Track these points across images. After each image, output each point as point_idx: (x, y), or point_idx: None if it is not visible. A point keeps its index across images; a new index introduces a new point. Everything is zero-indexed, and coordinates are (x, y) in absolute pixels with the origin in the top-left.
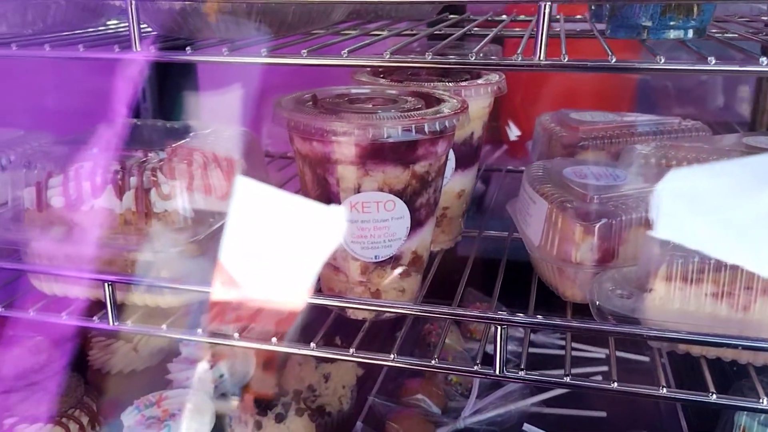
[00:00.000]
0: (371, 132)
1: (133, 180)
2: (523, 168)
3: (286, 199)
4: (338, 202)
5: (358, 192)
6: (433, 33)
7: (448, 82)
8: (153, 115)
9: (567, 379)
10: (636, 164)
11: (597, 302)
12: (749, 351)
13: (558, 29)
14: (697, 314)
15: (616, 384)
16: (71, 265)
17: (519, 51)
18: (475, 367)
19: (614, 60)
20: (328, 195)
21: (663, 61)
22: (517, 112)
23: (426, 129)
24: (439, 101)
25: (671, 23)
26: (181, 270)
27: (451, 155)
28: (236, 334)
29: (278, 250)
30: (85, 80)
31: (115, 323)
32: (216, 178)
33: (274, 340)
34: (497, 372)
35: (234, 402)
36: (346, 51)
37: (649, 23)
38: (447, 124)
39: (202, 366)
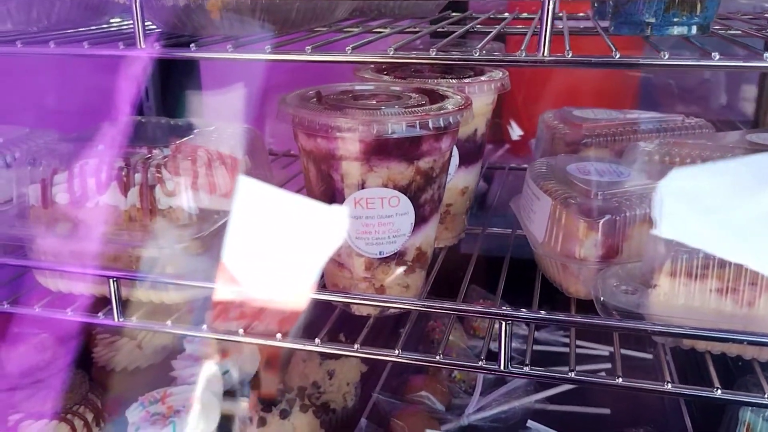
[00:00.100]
0: (375, 128)
1: (138, 177)
2: (526, 166)
3: (290, 196)
4: (342, 198)
5: (363, 188)
6: (436, 30)
7: (452, 79)
8: (156, 114)
9: (572, 375)
10: (639, 161)
11: (601, 298)
12: (754, 346)
13: (561, 27)
14: (702, 310)
15: (620, 379)
16: (76, 261)
17: (523, 47)
18: (480, 363)
19: (618, 56)
20: (332, 191)
21: (667, 56)
22: (520, 112)
23: (430, 125)
24: (443, 98)
25: (675, 20)
26: (186, 266)
27: (455, 152)
28: (241, 330)
29: (282, 247)
30: (89, 78)
31: (120, 319)
32: (220, 175)
33: (278, 336)
34: (502, 367)
35: (238, 399)
36: (350, 47)
37: (652, 20)
38: (451, 120)
39: (211, 365)
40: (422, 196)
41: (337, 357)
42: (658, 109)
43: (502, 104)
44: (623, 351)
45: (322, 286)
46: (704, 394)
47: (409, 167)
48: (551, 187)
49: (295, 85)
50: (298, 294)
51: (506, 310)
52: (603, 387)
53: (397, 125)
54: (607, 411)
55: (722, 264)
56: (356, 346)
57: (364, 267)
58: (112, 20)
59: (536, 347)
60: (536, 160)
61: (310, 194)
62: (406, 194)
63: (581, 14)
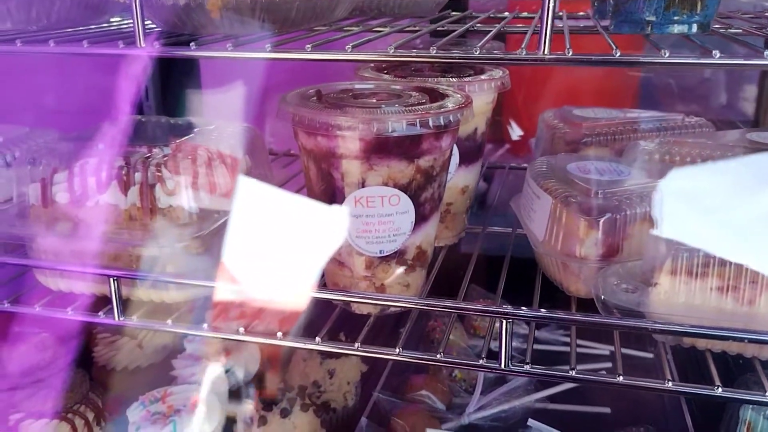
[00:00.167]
0: (376, 126)
1: (138, 175)
2: (526, 165)
3: (290, 196)
4: (343, 196)
5: (363, 186)
6: (436, 29)
7: (452, 77)
8: (156, 113)
9: (572, 373)
10: (640, 160)
11: (602, 296)
12: (755, 344)
13: (561, 26)
14: (703, 308)
15: (621, 378)
16: (77, 260)
17: (523, 45)
18: (481, 362)
19: (618, 54)
20: (332, 190)
21: (667, 54)
22: (520, 111)
23: (430, 123)
24: (443, 96)
25: (675, 18)
26: (186, 265)
27: (455, 151)
28: (241, 329)
29: (283, 246)
30: (89, 78)
31: (121, 318)
32: (220, 175)
33: (279, 334)
34: (502, 366)
35: (239, 398)
36: (350, 46)
37: (653, 18)
38: (451, 118)
39: (215, 366)
40: (422, 195)
41: (337, 356)
42: (659, 109)
43: (503, 104)
44: (624, 350)
45: (323, 285)
46: (705, 392)
47: (410, 166)
48: (551, 186)
49: (295, 84)
50: (298, 293)
51: (507, 308)
52: (604, 386)
53: (397, 123)
54: (607, 410)
55: (723, 262)
56: (357, 344)
57: (364, 266)
58: (111, 19)
59: (537, 346)
60: (536, 159)
61: (311, 193)
62: (406, 193)
63: (581, 13)
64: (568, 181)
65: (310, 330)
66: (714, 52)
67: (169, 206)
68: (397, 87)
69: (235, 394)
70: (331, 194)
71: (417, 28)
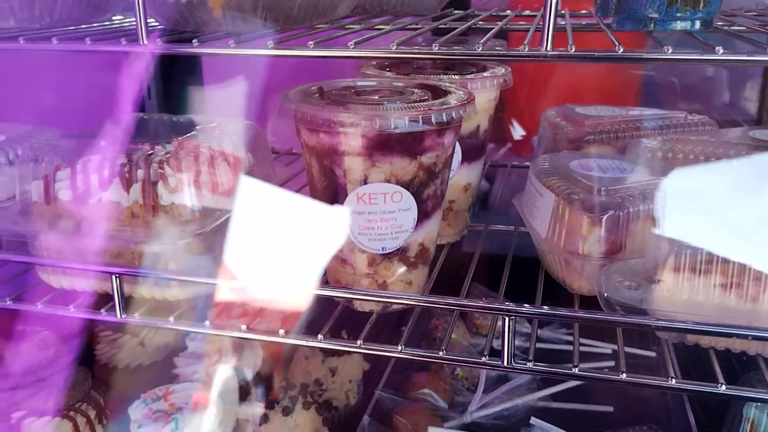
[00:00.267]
0: (378, 123)
1: (141, 173)
2: (528, 163)
3: (293, 193)
4: (345, 193)
5: (365, 183)
6: (438, 27)
7: (454, 75)
8: (158, 112)
9: (575, 371)
10: (643, 157)
11: (605, 294)
12: (758, 341)
13: (563, 23)
14: (706, 305)
15: (624, 375)
16: (79, 258)
17: (525, 42)
18: (483, 359)
19: (621, 50)
20: (335, 187)
21: (670, 51)
22: (523, 111)
23: (433, 120)
24: (445, 93)
25: (678, 15)
26: (188, 263)
27: (458, 148)
28: (243, 326)
29: (285, 244)
30: (91, 77)
31: (123, 315)
32: (222, 172)
33: (281, 332)
34: (505, 363)
35: (241, 396)
36: (352, 43)
37: (655, 15)
38: (454, 114)
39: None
40: (425, 192)
41: (339, 354)
42: (661, 108)
43: (505, 103)
44: (626, 349)
45: (325, 282)
46: (708, 389)
47: (412, 162)
48: (554, 183)
49: (297, 82)
50: (300, 291)
51: (509, 305)
52: (607, 383)
53: (399, 120)
54: (610, 409)
55: (726, 259)
56: (359, 342)
57: (366, 263)
58: (114, 18)
59: (539, 345)
60: (539, 157)
61: (313, 190)
62: (408, 190)
63: (583, 11)
64: (570, 179)
65: (312, 328)
66: (717, 48)
67: (172, 203)
68: (400, 84)
69: (236, 392)
70: (334, 191)
71: (419, 26)
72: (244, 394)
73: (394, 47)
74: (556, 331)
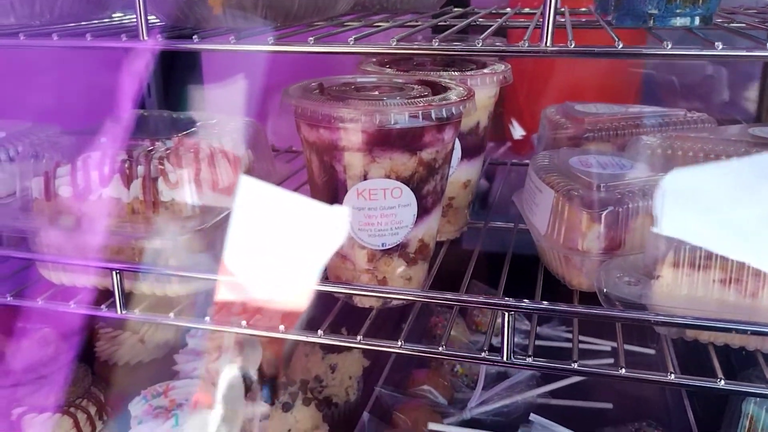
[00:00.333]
0: (378, 118)
1: (141, 169)
2: (527, 161)
3: (293, 190)
4: (345, 189)
5: (365, 179)
6: (438, 24)
7: (454, 71)
8: (158, 110)
9: (575, 366)
10: (642, 154)
11: (604, 289)
12: (757, 337)
13: (563, 21)
14: (705, 300)
15: (623, 370)
16: (79, 254)
17: (525, 37)
18: (483, 354)
19: (621, 46)
20: (335, 182)
21: (670, 46)
22: (523, 110)
23: (433, 115)
24: (445, 89)
25: (677, 11)
26: (188, 258)
27: (457, 145)
28: (243, 322)
29: (285, 241)
30: (91, 75)
31: (123, 311)
32: (223, 168)
33: (281, 327)
34: (505, 359)
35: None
36: (352, 38)
37: (655, 11)
38: (454, 110)
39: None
40: (425, 188)
41: (339, 351)
42: (661, 107)
43: (505, 102)
44: (626, 346)
45: (325, 278)
46: (707, 384)
47: (412, 158)
48: (554, 180)
49: (297, 81)
50: (300, 288)
51: (509, 300)
52: (606, 378)
53: (399, 115)
54: (609, 406)
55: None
56: (359, 337)
57: (366, 259)
58: (114, 15)
59: (539, 342)
60: (538, 153)
61: (313, 186)
62: (408, 185)
63: (583, 9)
64: (570, 175)
65: (312, 324)
66: (717, 43)
67: (172, 199)
68: (400, 80)
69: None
70: (334, 187)
71: (418, 23)
72: (245, 391)
73: (394, 43)
74: (556, 329)
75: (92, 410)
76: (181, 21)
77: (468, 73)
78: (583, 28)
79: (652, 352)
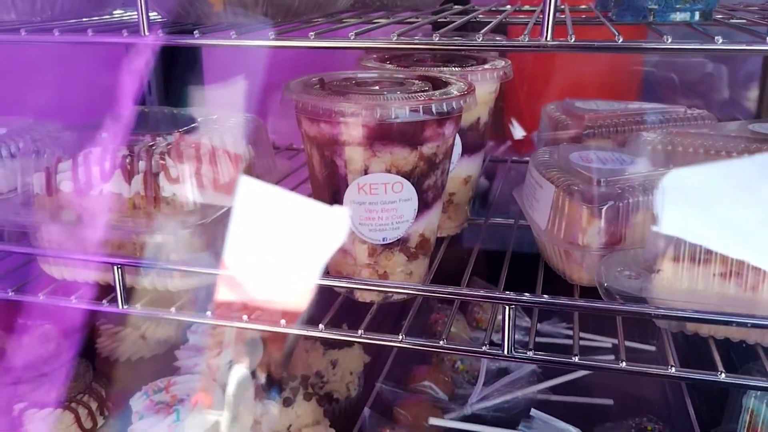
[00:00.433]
0: (379, 112)
1: (142, 164)
2: (527, 159)
3: (294, 187)
4: (346, 184)
5: (366, 174)
6: (437, 21)
7: (454, 67)
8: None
9: (575, 360)
10: (642, 150)
11: (605, 283)
12: (758, 330)
13: (563, 18)
14: (705, 294)
15: (624, 363)
16: (80, 249)
17: (525, 32)
18: (484, 348)
19: (621, 40)
20: (335, 177)
21: (670, 40)
22: (523, 110)
23: (433, 110)
24: (445, 84)
25: (677, 6)
26: (190, 253)
27: (458, 140)
28: (245, 317)
29: (286, 237)
30: (92, 72)
31: (125, 306)
32: (224, 164)
33: (282, 322)
34: (505, 352)
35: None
36: (353, 34)
37: (655, 6)
38: (454, 105)
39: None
40: (425, 182)
41: (340, 347)
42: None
43: (506, 101)
44: (626, 343)
45: (326, 273)
46: (708, 377)
47: (413, 153)
48: (554, 175)
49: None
50: (302, 283)
51: (509, 294)
52: (606, 372)
53: (400, 110)
54: (610, 402)
55: None
56: (360, 331)
57: (367, 253)
58: (114, 12)
59: (539, 339)
60: (539, 149)
61: (314, 180)
62: (409, 180)
63: (583, 6)
64: (570, 171)
65: (313, 320)
66: (716, 37)
67: (173, 195)
68: (400, 76)
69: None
70: (335, 181)
71: (419, 20)
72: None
73: (395, 38)
74: (556, 326)
75: (93, 405)
76: (182, 17)
77: (468, 68)
78: (584, 25)
79: (653, 348)
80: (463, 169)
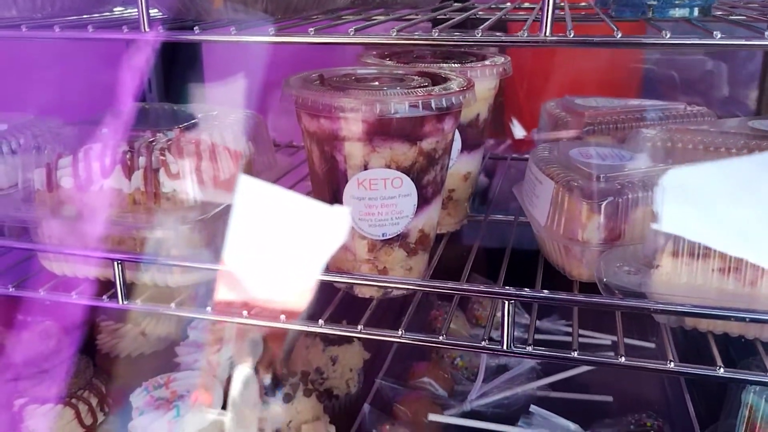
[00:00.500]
0: (378, 108)
1: (142, 160)
2: (527, 156)
3: (294, 182)
4: (346, 179)
5: (366, 169)
6: (437, 18)
7: (454, 64)
8: None
9: (574, 354)
10: (642, 146)
11: (604, 278)
12: (756, 325)
13: (563, 15)
14: (704, 289)
15: (623, 358)
16: (81, 244)
17: (524, 28)
18: (483, 343)
19: (620, 35)
20: (335, 172)
21: (669, 35)
22: (523, 110)
23: (433, 105)
24: (445, 80)
25: (676, 2)
26: (189, 249)
27: (457, 137)
28: (245, 312)
29: (286, 235)
30: (93, 70)
31: (125, 302)
32: (224, 160)
33: (282, 317)
34: (505, 347)
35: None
36: (352, 29)
37: (654, 2)
38: (453, 100)
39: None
40: (425, 178)
41: (340, 343)
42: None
43: (506, 99)
44: (626, 340)
45: (326, 268)
46: (707, 372)
47: (412, 148)
48: (553, 171)
49: None
50: (302, 280)
51: (509, 289)
52: (605, 366)
53: (399, 105)
54: (609, 398)
55: None
56: (360, 327)
57: (367, 249)
58: (115, 9)
59: (539, 336)
60: (539, 146)
61: (314, 176)
62: (408, 175)
63: (582, 3)
64: (570, 167)
65: (313, 316)
66: (715, 33)
67: (173, 190)
68: (400, 72)
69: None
70: (334, 177)
71: (418, 17)
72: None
73: (394, 34)
74: (556, 323)
75: (94, 401)
76: (183, 14)
77: (468, 65)
78: (583, 21)
79: (652, 345)
80: (462, 165)
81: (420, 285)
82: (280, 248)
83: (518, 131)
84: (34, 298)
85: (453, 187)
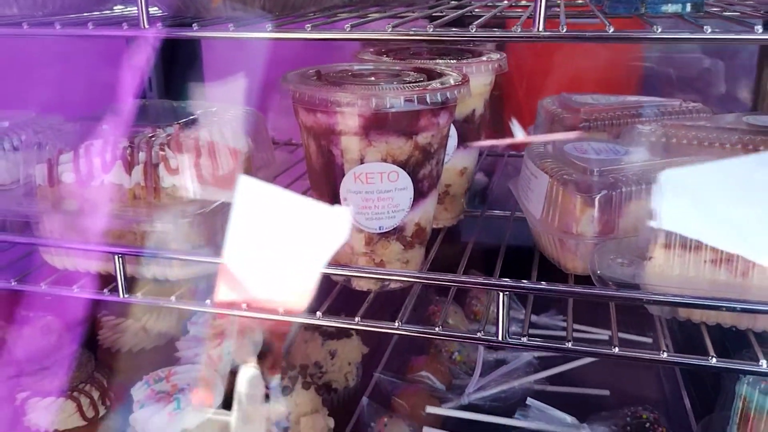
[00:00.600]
0: (374, 102)
1: (142, 155)
2: (524, 153)
3: (293, 179)
4: (342, 173)
5: (362, 163)
6: (432, 15)
7: (450, 59)
8: None
9: (569, 345)
10: (637, 141)
11: (598, 271)
12: (748, 315)
13: (558, 11)
14: (697, 280)
15: (617, 349)
16: (82, 238)
17: (518, 24)
18: (479, 334)
19: (612, 30)
20: (332, 166)
21: (659, 30)
22: (522, 108)
23: (428, 99)
24: (440, 75)
25: None
26: (188, 243)
27: (453, 132)
28: (244, 305)
29: (286, 233)
30: (93, 68)
31: (126, 295)
32: (223, 155)
33: (280, 310)
34: (500, 338)
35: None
36: (348, 25)
37: None
38: (449, 95)
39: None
40: (421, 171)
41: (338, 337)
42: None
43: (503, 99)
44: (622, 335)
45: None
46: (700, 362)
47: (408, 142)
48: (548, 165)
49: None
50: (300, 275)
51: (505, 281)
52: (600, 357)
53: (395, 99)
54: (606, 392)
55: None
56: (357, 318)
57: (364, 242)
58: (115, 7)
59: (537, 332)
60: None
61: (311, 170)
62: (404, 169)
63: (579, 1)
64: (565, 161)
65: (310, 310)
66: (705, 27)
67: (173, 185)
68: (396, 68)
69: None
70: (331, 171)
71: (414, 14)
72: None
73: (390, 29)
74: (553, 318)
75: (95, 395)
76: (182, 11)
77: (463, 61)
78: (577, 18)
79: (649, 340)
80: (459, 160)
81: (417, 277)
82: (278, 242)
83: (516, 129)
84: (36, 294)
85: (449, 182)
